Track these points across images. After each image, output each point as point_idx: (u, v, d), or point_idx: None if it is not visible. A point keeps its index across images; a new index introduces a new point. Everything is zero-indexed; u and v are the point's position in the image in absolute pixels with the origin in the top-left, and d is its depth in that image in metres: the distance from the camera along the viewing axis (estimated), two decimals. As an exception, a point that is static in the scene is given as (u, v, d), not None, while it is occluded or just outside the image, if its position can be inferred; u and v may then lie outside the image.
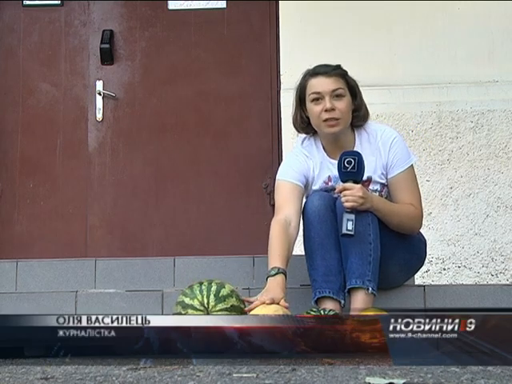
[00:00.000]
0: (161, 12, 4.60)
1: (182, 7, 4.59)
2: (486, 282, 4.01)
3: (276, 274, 2.62)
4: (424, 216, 2.95)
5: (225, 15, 4.57)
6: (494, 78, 4.28)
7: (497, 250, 4.09)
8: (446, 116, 4.24)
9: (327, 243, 2.70)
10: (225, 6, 4.57)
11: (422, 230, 2.97)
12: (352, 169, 2.64)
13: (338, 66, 2.88)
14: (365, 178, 2.75)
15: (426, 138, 4.18)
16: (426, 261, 3.05)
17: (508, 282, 3.99)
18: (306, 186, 2.89)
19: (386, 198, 2.86)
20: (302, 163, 2.89)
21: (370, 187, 2.83)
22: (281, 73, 4.39)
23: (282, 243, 2.70)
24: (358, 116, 2.88)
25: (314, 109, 2.83)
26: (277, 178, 2.91)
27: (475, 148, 4.22)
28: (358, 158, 2.65)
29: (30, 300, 3.02)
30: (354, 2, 4.33)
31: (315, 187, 2.87)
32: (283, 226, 2.73)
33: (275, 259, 2.66)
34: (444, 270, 4.08)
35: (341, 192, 2.65)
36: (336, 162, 2.78)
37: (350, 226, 2.59)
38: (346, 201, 2.61)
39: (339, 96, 2.81)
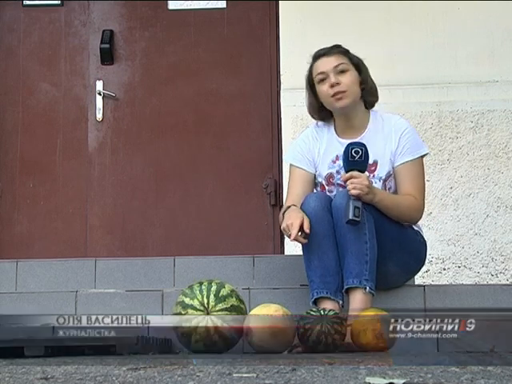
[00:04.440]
0: (161, 12, 4.60)
1: (182, 7, 4.59)
2: (486, 282, 4.01)
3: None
4: (424, 216, 2.95)
5: (225, 15, 4.57)
6: (494, 77, 4.28)
7: (497, 250, 4.09)
8: (445, 116, 4.24)
9: (324, 244, 2.71)
10: (225, 5, 4.57)
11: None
12: (359, 158, 2.68)
13: (338, 46, 2.99)
14: (371, 161, 2.80)
15: (426, 138, 4.17)
16: (426, 261, 3.04)
17: (508, 282, 3.98)
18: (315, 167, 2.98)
19: (389, 189, 2.89)
20: (309, 146, 2.99)
21: (376, 173, 2.87)
22: (281, 73, 4.39)
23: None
24: (366, 90, 2.94)
25: (321, 88, 2.92)
26: (285, 158, 3.19)
27: (475, 148, 4.22)
28: (365, 148, 2.69)
29: (30, 300, 3.02)
30: (354, 2, 4.32)
31: (323, 167, 2.94)
32: None
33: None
34: (444, 269, 4.07)
35: (347, 180, 2.68)
36: (346, 142, 2.83)
37: (357, 212, 2.61)
38: (354, 188, 2.64)
39: (343, 71, 2.90)
